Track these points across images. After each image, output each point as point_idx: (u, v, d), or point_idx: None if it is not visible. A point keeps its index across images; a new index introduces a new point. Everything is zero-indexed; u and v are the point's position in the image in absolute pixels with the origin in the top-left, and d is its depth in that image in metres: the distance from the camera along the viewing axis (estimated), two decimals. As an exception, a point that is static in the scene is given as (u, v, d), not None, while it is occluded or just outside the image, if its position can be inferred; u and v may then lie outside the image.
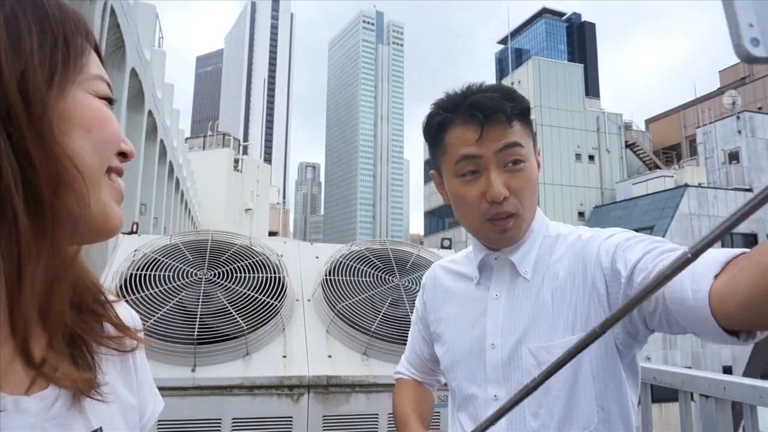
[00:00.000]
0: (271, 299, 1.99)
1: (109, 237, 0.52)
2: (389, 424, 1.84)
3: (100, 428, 0.49)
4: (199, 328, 1.80)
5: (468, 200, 0.95)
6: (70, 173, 0.44)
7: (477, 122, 0.91)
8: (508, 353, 0.94)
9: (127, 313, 0.61)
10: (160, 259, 2.07)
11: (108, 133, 0.48)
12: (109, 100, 0.51)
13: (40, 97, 0.43)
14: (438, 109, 0.98)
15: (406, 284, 2.18)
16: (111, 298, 0.58)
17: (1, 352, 0.43)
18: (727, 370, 17.34)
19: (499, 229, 0.94)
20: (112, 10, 7.57)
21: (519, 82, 27.28)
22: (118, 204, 0.52)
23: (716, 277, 0.64)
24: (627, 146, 27.58)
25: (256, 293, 2.00)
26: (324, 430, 1.81)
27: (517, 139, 0.93)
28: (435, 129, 0.98)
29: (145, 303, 1.87)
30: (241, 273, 2.08)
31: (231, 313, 1.89)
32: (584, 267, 0.91)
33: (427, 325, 1.17)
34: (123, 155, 0.52)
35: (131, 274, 1.97)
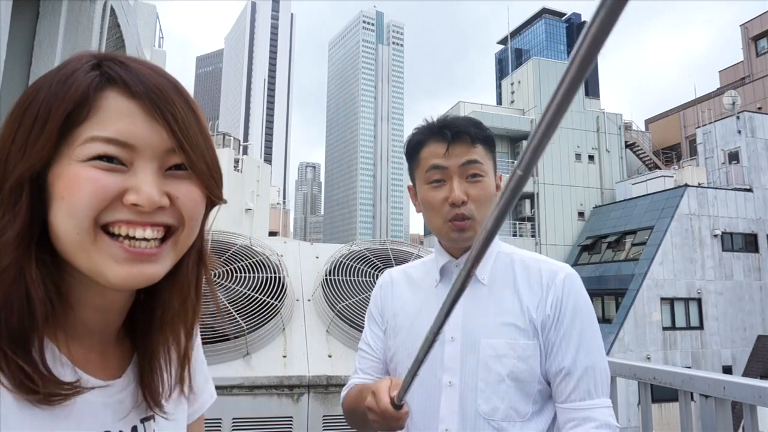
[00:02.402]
0: (271, 299, 1.99)
1: (121, 290, 0.57)
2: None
3: (153, 416, 0.63)
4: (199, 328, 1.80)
5: (433, 203, 1.14)
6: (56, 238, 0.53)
7: (445, 139, 1.13)
8: (467, 345, 1.10)
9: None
10: (160, 259, 2.07)
11: (78, 197, 0.51)
12: (105, 157, 0.52)
13: (17, 178, 0.51)
14: (417, 132, 1.20)
15: (406, 284, 2.18)
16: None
17: (95, 349, 0.60)
18: (727, 370, 17.34)
19: (458, 229, 1.12)
20: (112, 10, 7.55)
21: (519, 82, 27.27)
22: (130, 261, 0.53)
23: None
24: (627, 146, 27.57)
25: (256, 293, 1.99)
26: (324, 430, 1.81)
27: (478, 158, 1.13)
28: (413, 146, 1.20)
29: (145, 303, 1.87)
30: (241, 273, 2.08)
31: (231, 313, 1.89)
32: (553, 314, 1.10)
33: (383, 320, 1.26)
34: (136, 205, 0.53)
35: (131, 274, 1.97)
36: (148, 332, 0.64)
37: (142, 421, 0.62)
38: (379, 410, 0.94)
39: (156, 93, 0.55)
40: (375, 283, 2.18)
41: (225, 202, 0.65)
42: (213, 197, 0.62)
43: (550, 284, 1.12)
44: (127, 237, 0.53)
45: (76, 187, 0.51)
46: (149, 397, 0.63)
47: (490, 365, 1.06)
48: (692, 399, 1.75)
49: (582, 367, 1.06)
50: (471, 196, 1.11)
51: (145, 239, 0.54)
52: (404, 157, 1.26)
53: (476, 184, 1.12)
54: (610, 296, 18.91)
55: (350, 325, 1.99)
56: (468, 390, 1.07)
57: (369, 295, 2.15)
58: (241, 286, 2.02)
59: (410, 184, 1.27)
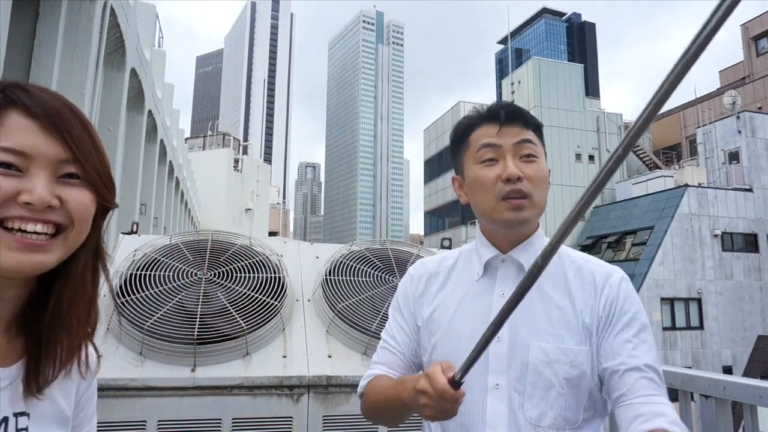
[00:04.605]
0: (271, 299, 1.99)
1: (14, 275, 0.64)
2: (389, 424, 1.83)
3: (28, 414, 0.68)
4: (199, 328, 1.80)
5: (485, 182, 1.05)
6: None
7: (499, 120, 1.06)
8: (515, 347, 1.02)
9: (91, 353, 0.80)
10: (160, 259, 2.07)
11: None
12: (4, 164, 0.62)
13: None
14: (466, 118, 1.14)
15: (406, 284, 2.18)
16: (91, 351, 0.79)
17: None
18: (727, 370, 17.34)
19: (513, 207, 1.03)
20: (112, 10, 7.55)
21: (519, 82, 27.28)
22: (21, 249, 0.62)
23: None
24: (627, 146, 27.54)
25: (256, 293, 2.00)
26: (324, 430, 1.81)
27: (532, 138, 1.07)
28: (462, 130, 1.13)
29: (145, 303, 1.87)
30: (241, 273, 2.08)
31: (231, 313, 1.89)
32: (606, 315, 1.04)
33: (414, 313, 1.17)
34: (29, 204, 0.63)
35: (131, 274, 1.97)
36: (42, 322, 0.70)
37: (16, 415, 0.67)
38: (437, 392, 0.84)
39: (52, 113, 0.65)
40: (375, 283, 2.19)
41: (117, 205, 0.74)
42: (104, 203, 0.71)
43: (604, 286, 1.06)
44: (20, 230, 0.63)
45: None
46: (34, 383, 0.68)
47: (541, 370, 1.00)
48: (692, 399, 1.75)
49: (643, 363, 0.98)
50: (526, 175, 1.03)
51: (35, 233, 0.63)
52: (450, 144, 1.18)
53: (531, 164, 1.05)
54: (610, 296, 18.90)
55: (350, 326, 1.99)
56: (515, 394, 1.01)
57: (369, 295, 2.16)
58: (241, 286, 2.02)
59: (455, 175, 1.18)
